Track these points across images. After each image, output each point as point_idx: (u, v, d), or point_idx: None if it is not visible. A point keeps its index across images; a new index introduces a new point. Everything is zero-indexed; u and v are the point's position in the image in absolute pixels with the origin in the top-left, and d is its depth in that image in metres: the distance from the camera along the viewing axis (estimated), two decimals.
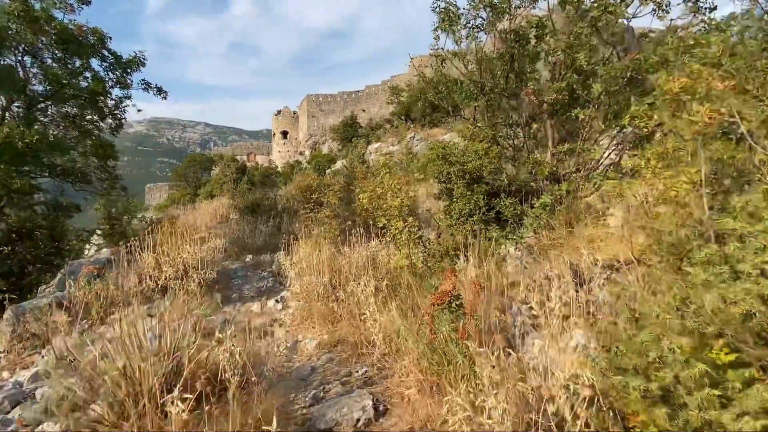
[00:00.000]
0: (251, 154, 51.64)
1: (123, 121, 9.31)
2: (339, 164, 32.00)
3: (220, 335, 3.00)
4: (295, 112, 56.95)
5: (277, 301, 5.82)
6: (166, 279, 5.66)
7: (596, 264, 3.87)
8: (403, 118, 38.98)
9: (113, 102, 8.76)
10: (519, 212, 5.15)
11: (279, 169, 39.29)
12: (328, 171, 29.32)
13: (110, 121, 9.06)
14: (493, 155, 5.31)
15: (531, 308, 3.58)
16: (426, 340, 3.34)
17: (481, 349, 2.54)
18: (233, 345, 2.95)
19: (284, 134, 56.47)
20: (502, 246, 4.89)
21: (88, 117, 8.72)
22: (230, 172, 18.93)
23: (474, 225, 5.36)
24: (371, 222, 7.75)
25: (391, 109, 42.90)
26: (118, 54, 8.62)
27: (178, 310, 5.49)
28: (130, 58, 8.78)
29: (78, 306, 5.49)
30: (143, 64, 9.06)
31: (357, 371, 3.84)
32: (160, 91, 9.50)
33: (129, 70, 8.75)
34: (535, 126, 5.71)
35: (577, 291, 3.55)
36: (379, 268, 5.81)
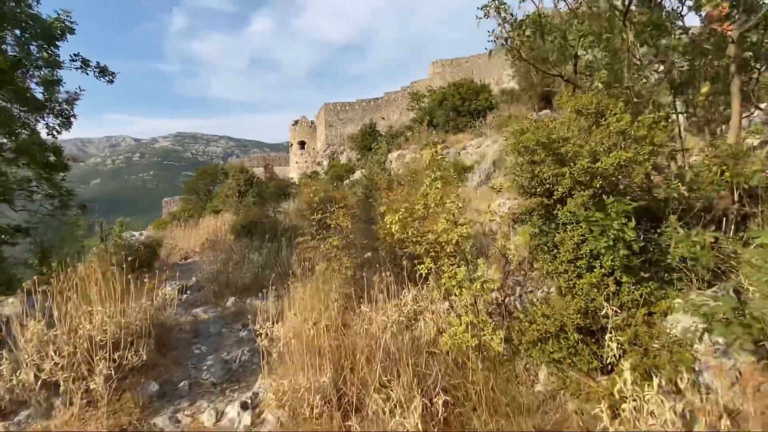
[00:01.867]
0: (268, 165, 50.08)
1: (72, 118, 7.02)
2: (358, 174, 29.70)
3: None
4: (312, 122, 55.54)
5: (244, 406, 3.35)
6: (54, 369, 3.28)
7: None
8: (425, 123, 36.76)
9: (54, 91, 6.53)
10: (709, 251, 2.54)
11: (295, 180, 37.49)
12: (345, 181, 27.05)
13: (52, 119, 6.83)
14: (662, 140, 2.75)
15: None
16: None
17: None
18: None
19: (302, 144, 55.00)
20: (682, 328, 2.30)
21: (21, 111, 6.46)
22: (235, 185, 16.72)
23: (607, 276, 2.79)
24: (401, 254, 5.28)
25: (412, 115, 40.74)
26: (42, 17, 6.32)
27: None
28: (50, 21, 6.49)
29: None
30: (71, 31, 6.72)
31: None
32: (103, 72, 7.13)
33: (53, 40, 6.43)
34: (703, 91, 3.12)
35: None
36: (420, 348, 3.31)
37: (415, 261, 4.25)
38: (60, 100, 6.74)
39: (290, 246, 7.34)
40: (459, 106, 32.18)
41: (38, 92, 6.43)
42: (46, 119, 6.71)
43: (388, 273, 4.38)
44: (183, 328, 5.21)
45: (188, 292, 6.85)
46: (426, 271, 3.22)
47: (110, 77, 7.03)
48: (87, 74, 6.81)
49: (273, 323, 3.67)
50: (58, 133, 6.86)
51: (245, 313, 5.60)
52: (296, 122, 55.19)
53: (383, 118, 49.26)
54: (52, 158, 6.79)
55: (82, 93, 7.02)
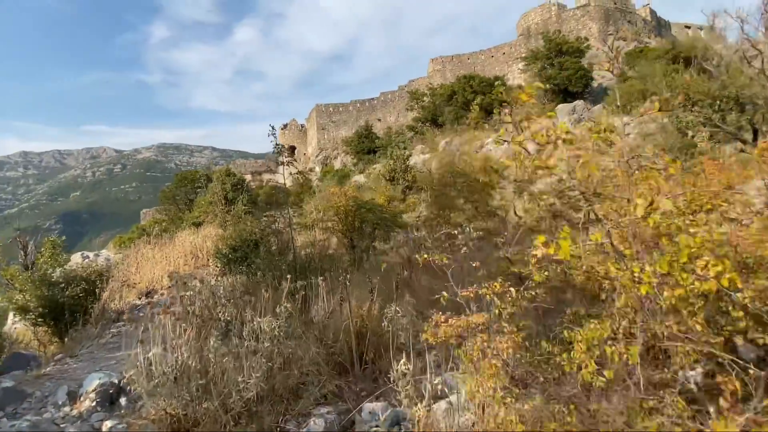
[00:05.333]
0: (256, 173, 46.27)
1: None
2: (357, 179, 26.13)
3: None
4: (302, 126, 51.96)
5: None
6: None
7: None
8: (428, 123, 33.65)
9: None
10: None
11: (287, 186, 33.67)
12: (344, 187, 23.49)
13: None
14: None
15: None
16: None
17: None
18: None
19: (292, 150, 51.33)
20: None
21: None
22: (221, 190, 13.12)
23: None
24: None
25: (412, 115, 37.55)
26: None
27: None
28: None
29: None
30: None
31: None
32: None
33: None
34: None
35: None
36: None
37: None
38: None
39: (334, 289, 3.82)
40: (471, 101, 29.05)
41: None
42: None
43: None
44: None
45: (123, 402, 3.28)
46: None
47: None
48: None
49: None
50: None
51: None
52: (285, 126, 51.57)
53: (379, 120, 46.02)
54: None
55: None
